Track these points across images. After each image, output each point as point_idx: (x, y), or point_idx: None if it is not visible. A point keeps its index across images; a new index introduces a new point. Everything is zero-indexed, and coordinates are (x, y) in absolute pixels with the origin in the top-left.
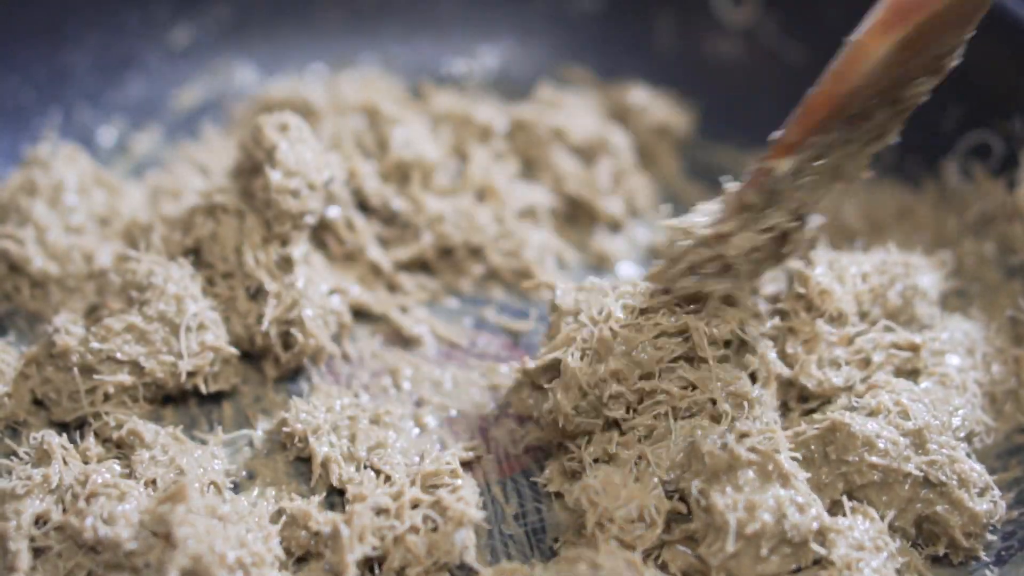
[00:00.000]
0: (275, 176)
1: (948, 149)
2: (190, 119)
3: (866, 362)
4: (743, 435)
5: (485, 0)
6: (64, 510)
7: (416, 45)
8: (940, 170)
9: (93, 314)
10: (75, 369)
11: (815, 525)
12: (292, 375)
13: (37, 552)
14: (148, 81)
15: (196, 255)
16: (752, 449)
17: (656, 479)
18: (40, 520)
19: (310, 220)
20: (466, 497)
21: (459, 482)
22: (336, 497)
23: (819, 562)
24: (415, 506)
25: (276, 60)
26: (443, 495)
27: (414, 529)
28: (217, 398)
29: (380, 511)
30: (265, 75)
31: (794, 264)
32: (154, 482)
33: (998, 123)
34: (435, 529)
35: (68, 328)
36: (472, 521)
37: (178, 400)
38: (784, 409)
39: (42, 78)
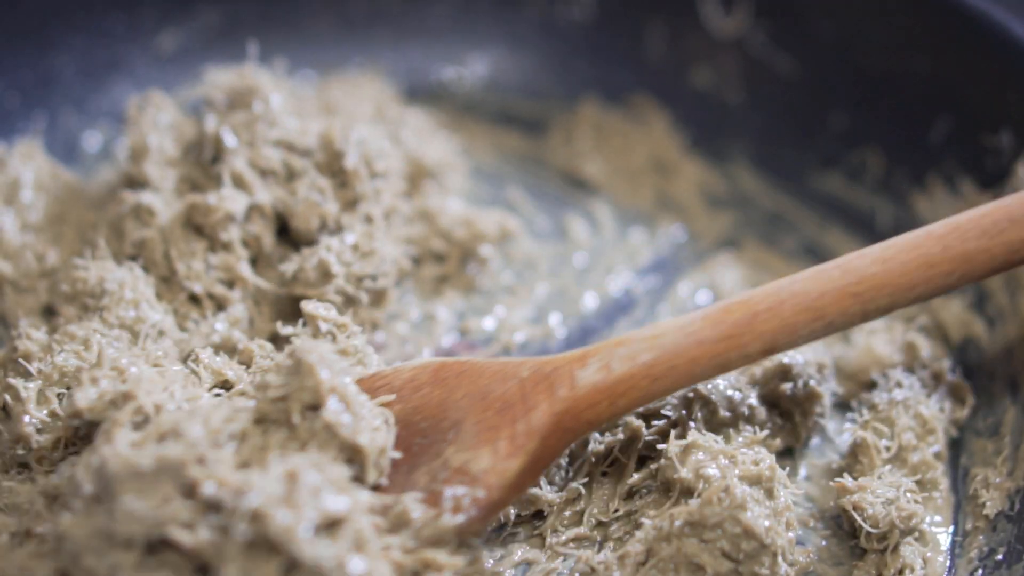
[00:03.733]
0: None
1: (935, 163)
2: None
3: None
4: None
5: (476, 8)
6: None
7: (406, 52)
8: (928, 184)
9: (50, 318)
10: None
11: None
12: None
13: None
14: (134, 86)
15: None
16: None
17: None
18: None
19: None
20: None
21: None
22: None
23: None
24: None
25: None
26: None
27: None
28: None
29: None
30: None
31: None
32: None
33: (986, 137)
34: None
35: (30, 334)
36: None
37: None
38: None
39: (28, 82)
